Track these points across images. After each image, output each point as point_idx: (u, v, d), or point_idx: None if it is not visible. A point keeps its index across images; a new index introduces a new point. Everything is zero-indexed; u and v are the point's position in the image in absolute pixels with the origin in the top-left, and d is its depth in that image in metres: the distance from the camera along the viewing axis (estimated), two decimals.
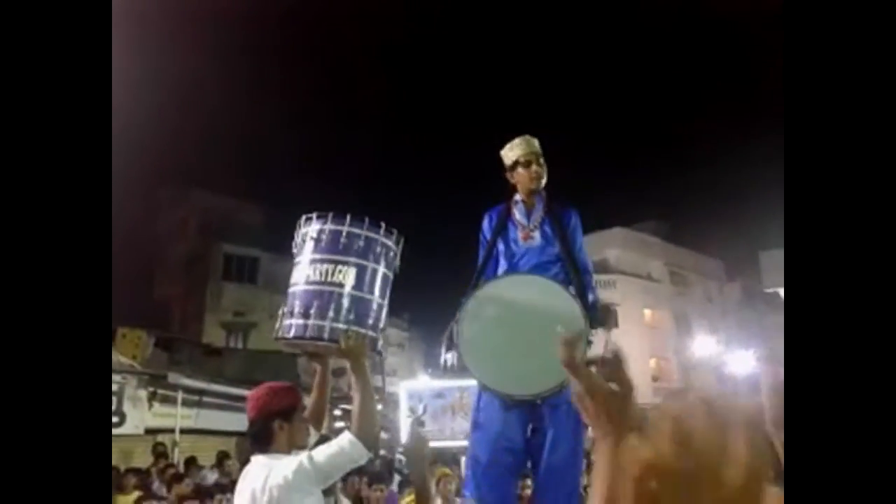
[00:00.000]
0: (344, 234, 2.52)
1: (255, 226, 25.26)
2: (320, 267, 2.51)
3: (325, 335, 2.40)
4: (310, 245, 2.55)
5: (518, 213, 3.24)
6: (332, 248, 2.52)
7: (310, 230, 2.57)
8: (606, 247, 30.92)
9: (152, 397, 10.96)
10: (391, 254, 2.63)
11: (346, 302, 2.46)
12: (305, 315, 2.44)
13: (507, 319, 2.88)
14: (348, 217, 2.55)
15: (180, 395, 11.27)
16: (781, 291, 23.34)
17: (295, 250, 2.62)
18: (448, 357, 3.03)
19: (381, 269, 2.59)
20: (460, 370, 2.97)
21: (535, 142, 3.26)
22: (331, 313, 2.42)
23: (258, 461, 2.19)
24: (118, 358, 10.90)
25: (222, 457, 8.86)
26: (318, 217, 2.57)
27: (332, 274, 2.48)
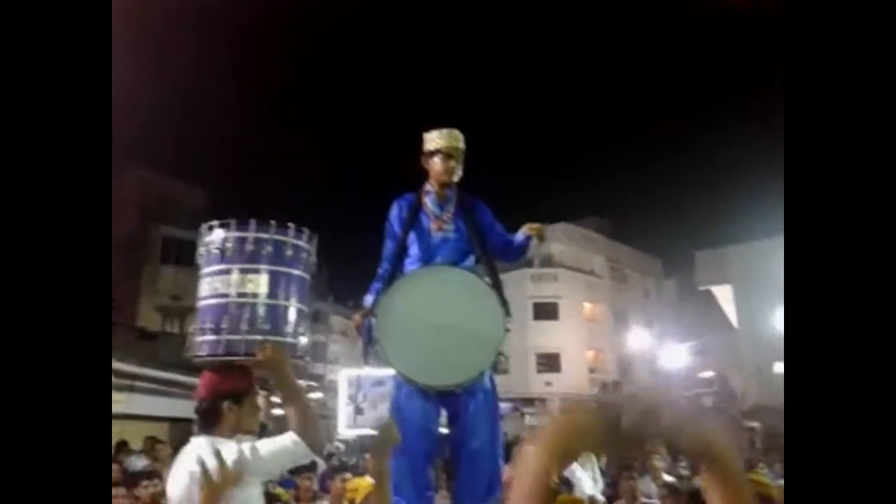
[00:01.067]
0: (250, 240, 2.39)
1: (196, 209, 24.50)
2: (228, 278, 2.37)
3: (241, 350, 2.27)
4: (215, 255, 2.41)
5: (430, 203, 3.22)
6: (240, 257, 2.38)
7: (213, 239, 2.43)
8: (551, 241, 31.51)
9: None
10: (304, 254, 2.51)
11: (260, 311, 2.33)
12: (217, 331, 2.30)
13: (427, 311, 2.90)
14: (253, 222, 2.42)
15: (112, 380, 10.89)
16: (714, 289, 24.36)
17: (199, 261, 2.47)
18: (368, 350, 3.03)
19: (296, 273, 2.47)
20: (382, 363, 2.96)
21: (462, 138, 3.25)
22: (244, 326, 2.29)
23: (199, 442, 2.13)
24: None
25: (152, 442, 8.63)
26: (221, 225, 2.43)
27: (242, 284, 2.36)
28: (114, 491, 3.84)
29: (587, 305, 31.41)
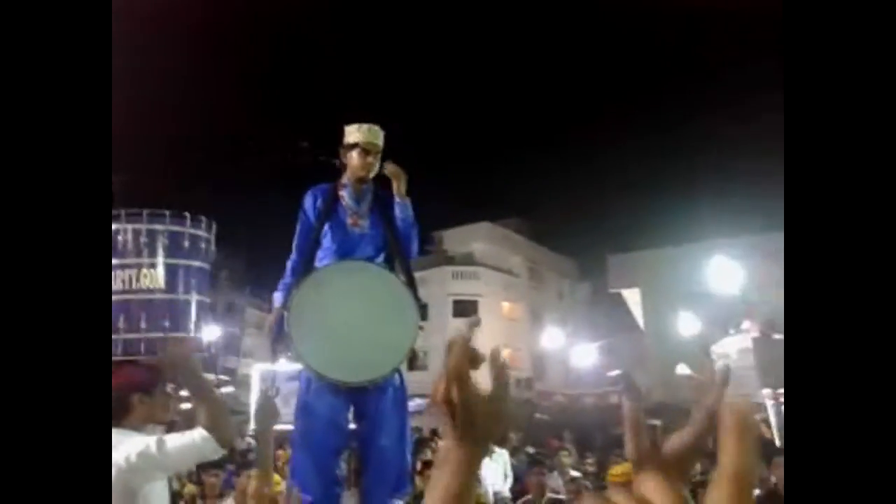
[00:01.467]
0: (144, 232, 2.29)
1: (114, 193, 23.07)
2: (122, 273, 2.25)
3: (141, 349, 2.19)
4: None
5: (347, 197, 3.18)
6: (133, 251, 2.27)
7: None
8: (472, 240, 31.98)
9: None
10: (202, 244, 2.44)
11: (159, 307, 2.25)
12: (115, 330, 2.19)
13: (341, 307, 2.87)
14: (145, 213, 2.32)
15: None
16: (624, 292, 25.47)
17: None
18: (277, 347, 3.00)
19: (196, 264, 2.40)
20: (294, 358, 2.93)
21: (378, 134, 3.20)
22: (143, 324, 2.20)
23: (115, 436, 2.05)
24: None
25: None
26: (112, 217, 2.29)
27: (137, 279, 2.25)
28: None
29: (506, 304, 32.09)
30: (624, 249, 25.89)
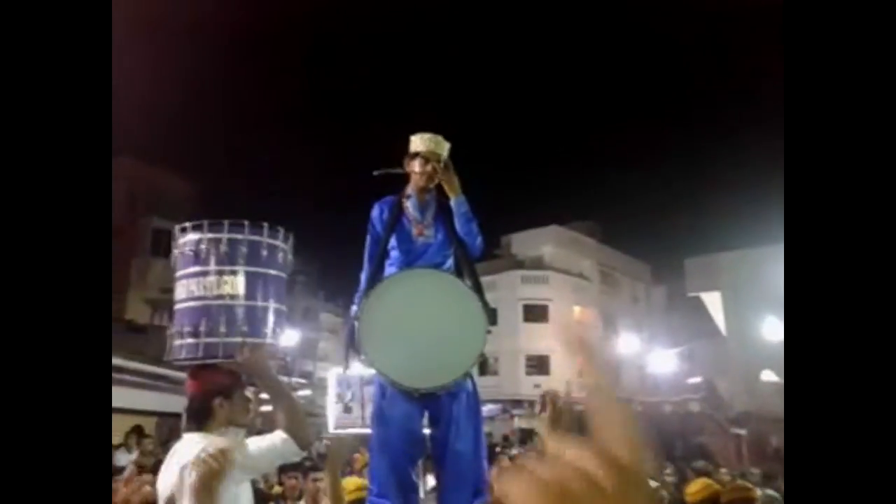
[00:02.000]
0: (224, 241, 2.38)
1: (187, 200, 24.38)
2: (204, 280, 2.36)
3: (220, 353, 2.27)
4: (190, 257, 2.41)
5: (412, 208, 3.20)
6: (215, 259, 2.37)
7: (187, 241, 2.42)
8: (541, 244, 31.60)
9: None
10: (280, 254, 2.51)
11: (238, 313, 2.32)
12: (195, 334, 2.30)
13: (409, 314, 2.89)
14: (226, 223, 2.41)
15: None
16: (703, 296, 24.48)
17: (174, 264, 2.46)
18: (352, 354, 3.04)
19: (273, 273, 2.47)
20: (366, 366, 2.96)
21: (444, 146, 3.20)
22: (222, 328, 2.29)
23: (191, 438, 2.14)
24: None
25: (137, 435, 8.55)
26: (194, 227, 2.42)
27: (219, 286, 2.35)
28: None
29: (577, 309, 31.50)
30: (701, 251, 24.89)
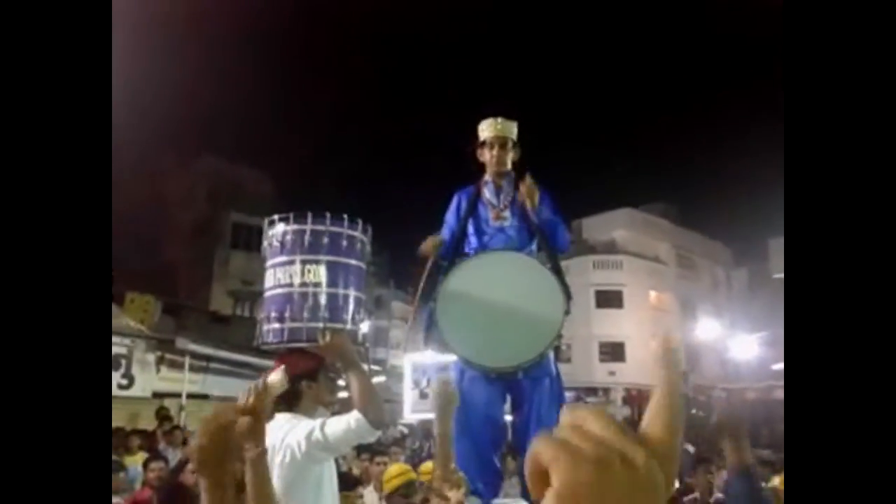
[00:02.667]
0: (308, 232, 2.53)
1: (264, 195, 25.32)
2: (290, 269, 2.52)
3: (304, 336, 2.41)
4: (277, 248, 2.57)
5: (488, 193, 3.25)
6: (299, 249, 2.53)
7: (275, 233, 2.58)
8: (614, 227, 30.82)
9: (160, 361, 11.13)
10: (358, 244, 2.63)
11: (321, 300, 2.47)
12: (281, 319, 2.46)
13: (485, 296, 2.93)
14: (310, 216, 2.56)
15: (188, 360, 11.43)
16: None
17: (264, 254, 2.67)
18: (427, 335, 3.08)
19: (353, 262, 2.59)
20: (442, 347, 3.01)
21: (508, 126, 3.25)
22: (306, 314, 2.43)
23: (282, 418, 2.25)
24: (127, 322, 11.05)
25: None
26: (281, 219, 2.59)
27: (303, 274, 2.50)
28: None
29: (652, 294, 30.60)
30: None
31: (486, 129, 3.24)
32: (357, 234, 2.64)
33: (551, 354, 2.98)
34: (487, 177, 3.29)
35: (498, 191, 3.24)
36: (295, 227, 2.56)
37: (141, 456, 6.40)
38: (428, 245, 3.15)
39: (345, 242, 2.58)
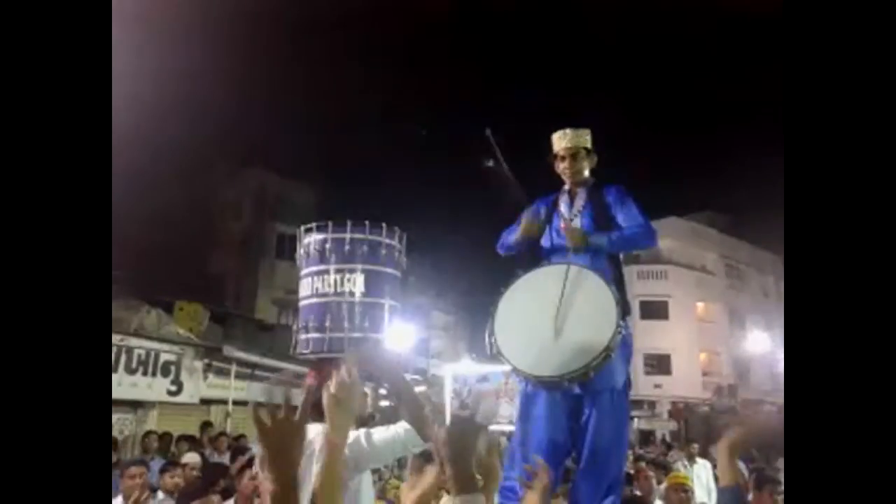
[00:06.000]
0: (347, 241, 2.53)
1: (307, 206, 25.81)
2: (328, 278, 2.52)
3: (343, 347, 2.41)
4: (315, 256, 2.57)
5: (563, 204, 3.28)
6: (338, 258, 2.52)
7: (312, 241, 2.58)
8: (659, 237, 30.20)
9: (207, 369, 11.40)
10: (396, 253, 2.64)
11: (358, 309, 2.46)
12: (321, 329, 2.46)
13: (538, 306, 2.95)
14: (349, 224, 2.55)
15: (234, 368, 11.68)
16: None
17: (299, 262, 2.66)
18: (490, 342, 3.11)
19: (389, 271, 2.60)
20: (494, 354, 3.04)
21: (577, 135, 3.27)
22: (346, 324, 2.43)
23: (314, 429, 2.25)
24: (176, 330, 11.37)
25: None
26: (319, 227, 2.58)
27: (342, 283, 2.49)
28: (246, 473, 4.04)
29: (700, 304, 29.83)
30: None
31: (558, 141, 3.30)
32: (394, 242, 2.66)
33: (618, 369, 2.96)
34: (565, 186, 3.32)
35: (571, 200, 3.26)
36: (334, 235, 2.57)
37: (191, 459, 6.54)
38: (527, 226, 3.16)
39: (383, 251, 2.60)
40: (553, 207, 3.29)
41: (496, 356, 3.01)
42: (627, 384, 3.04)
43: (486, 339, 3.09)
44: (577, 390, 2.86)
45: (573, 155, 3.25)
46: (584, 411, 2.91)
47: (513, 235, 3.26)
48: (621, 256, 3.25)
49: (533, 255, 3.26)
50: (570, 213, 3.22)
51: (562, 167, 3.27)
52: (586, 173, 3.29)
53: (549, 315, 2.91)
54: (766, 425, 2.02)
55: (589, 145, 3.31)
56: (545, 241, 3.24)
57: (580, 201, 3.24)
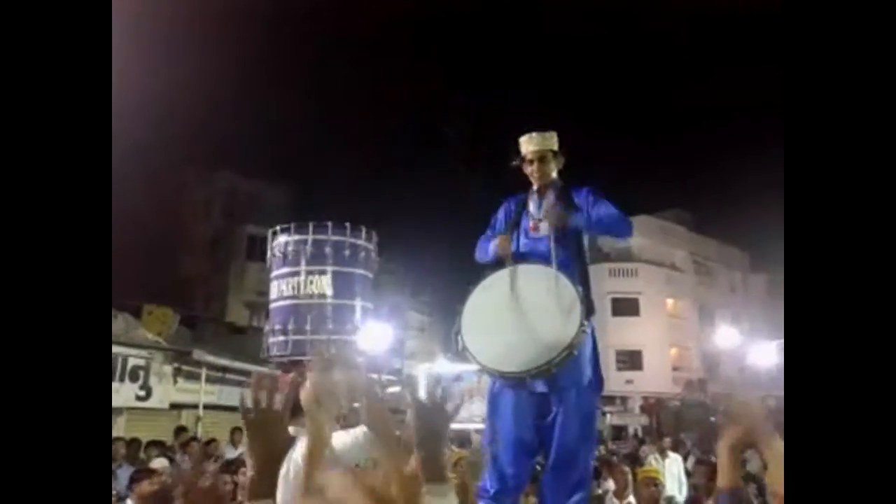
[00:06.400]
0: (310, 242, 2.55)
1: (278, 207, 25.53)
2: (293, 280, 2.55)
3: (307, 350, 2.40)
4: (279, 258, 2.61)
5: (532, 205, 3.33)
6: (302, 259, 2.54)
7: (278, 244, 2.62)
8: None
9: (177, 373, 11.18)
10: (362, 253, 2.66)
11: (327, 311, 2.48)
12: (285, 332, 2.47)
13: (504, 304, 3.04)
14: (311, 225, 2.58)
15: (204, 372, 11.47)
16: None
17: (269, 266, 2.67)
18: (456, 340, 3.14)
19: (359, 272, 2.63)
20: (460, 351, 3.09)
21: (543, 138, 3.33)
22: (308, 326, 2.43)
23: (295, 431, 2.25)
24: (145, 334, 11.15)
25: (240, 433, 9.02)
26: (283, 230, 2.62)
27: (306, 286, 2.51)
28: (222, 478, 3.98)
29: (669, 301, 30.33)
30: None
31: (524, 144, 3.34)
32: (361, 242, 2.67)
33: (584, 366, 3.00)
34: (533, 187, 3.37)
35: (539, 201, 3.30)
36: (297, 237, 2.60)
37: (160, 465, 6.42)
38: (502, 244, 3.20)
39: (347, 252, 2.62)
40: (522, 208, 3.34)
41: (462, 353, 3.06)
42: (598, 383, 3.10)
43: (453, 336, 3.14)
44: (542, 388, 2.92)
45: (541, 158, 3.30)
46: (552, 409, 2.96)
47: (490, 248, 3.28)
48: (587, 257, 3.29)
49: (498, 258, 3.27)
50: (539, 214, 3.27)
51: (530, 170, 3.32)
52: (554, 174, 3.34)
53: (514, 313, 2.99)
54: (761, 420, 2.03)
55: (556, 147, 3.36)
56: (514, 243, 3.28)
57: (549, 202, 3.28)
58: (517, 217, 3.33)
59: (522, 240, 3.27)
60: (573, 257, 3.18)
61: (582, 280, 3.09)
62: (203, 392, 11.39)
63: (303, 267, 2.14)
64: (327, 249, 2.07)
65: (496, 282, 3.14)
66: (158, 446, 7.55)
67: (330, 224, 2.13)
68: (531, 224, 3.28)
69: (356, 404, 2.58)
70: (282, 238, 2.17)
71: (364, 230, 2.18)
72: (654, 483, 4.57)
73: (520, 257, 3.22)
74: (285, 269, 2.19)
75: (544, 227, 3.21)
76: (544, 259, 3.14)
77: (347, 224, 2.15)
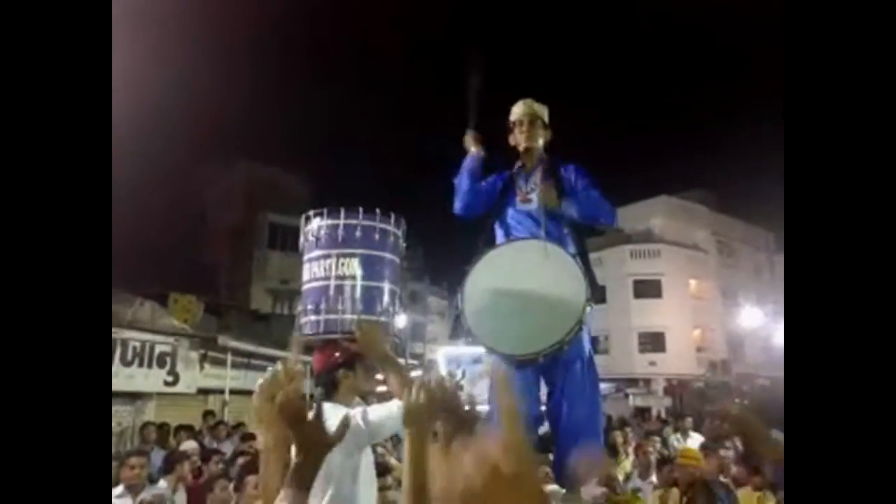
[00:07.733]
0: (341, 227, 2.60)
1: (299, 196, 25.68)
2: (325, 262, 2.59)
3: (339, 327, 2.47)
4: (312, 242, 2.65)
5: (519, 179, 3.28)
6: (333, 243, 2.60)
7: (311, 228, 2.67)
8: (651, 216, 30.28)
9: (203, 359, 11.41)
10: (391, 238, 2.68)
11: (356, 292, 2.53)
12: (317, 311, 2.53)
13: (507, 284, 2.97)
14: (342, 210, 2.63)
15: (230, 358, 11.71)
16: None
17: (301, 250, 2.75)
18: (456, 324, 3.13)
19: (387, 255, 2.65)
20: (466, 335, 3.06)
21: (535, 105, 3.30)
22: (340, 305, 2.50)
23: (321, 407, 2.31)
24: (171, 321, 11.37)
25: None
26: (316, 214, 2.67)
27: (337, 267, 2.57)
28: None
29: (693, 282, 30.01)
30: None
31: (515, 109, 3.30)
32: (390, 227, 2.70)
33: (585, 338, 2.98)
34: (518, 162, 3.32)
35: (528, 174, 3.26)
36: (329, 221, 2.63)
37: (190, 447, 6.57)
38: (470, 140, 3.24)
39: (377, 235, 2.64)
40: (510, 182, 3.29)
41: (467, 336, 3.03)
42: (591, 355, 3.07)
43: (455, 319, 3.10)
44: (550, 363, 2.89)
45: (531, 121, 3.25)
46: (558, 384, 2.95)
47: (463, 166, 3.28)
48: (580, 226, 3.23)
49: (493, 232, 3.26)
50: (527, 187, 3.22)
51: (517, 133, 3.27)
52: (540, 142, 3.29)
53: (518, 292, 2.93)
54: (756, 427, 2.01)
55: (546, 119, 3.32)
56: (504, 218, 3.24)
57: (535, 176, 3.24)
58: (505, 191, 3.27)
59: (511, 214, 3.23)
60: (570, 232, 3.15)
61: (579, 250, 3.05)
62: (229, 377, 11.64)
63: (334, 250, 2.18)
64: (357, 233, 2.11)
65: (494, 260, 3.08)
66: (187, 430, 7.73)
67: (361, 209, 2.18)
68: (519, 196, 3.23)
69: (383, 388, 2.62)
70: (315, 222, 2.21)
71: (393, 216, 2.21)
72: (694, 465, 4.63)
73: (508, 232, 3.19)
74: (318, 252, 2.22)
75: (534, 199, 3.17)
76: (532, 232, 3.12)
77: (377, 210, 2.19)
